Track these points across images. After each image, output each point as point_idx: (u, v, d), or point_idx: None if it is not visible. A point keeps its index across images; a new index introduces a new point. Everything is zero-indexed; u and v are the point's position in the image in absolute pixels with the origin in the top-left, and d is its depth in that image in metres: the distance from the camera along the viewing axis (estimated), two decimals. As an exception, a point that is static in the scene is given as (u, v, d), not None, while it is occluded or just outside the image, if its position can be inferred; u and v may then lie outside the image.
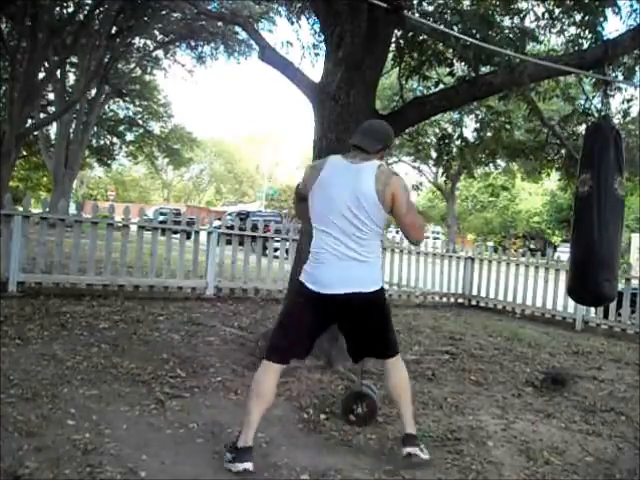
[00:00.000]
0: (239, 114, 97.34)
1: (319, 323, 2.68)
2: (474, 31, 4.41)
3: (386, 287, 8.51)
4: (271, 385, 2.62)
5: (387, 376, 2.85)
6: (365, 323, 2.69)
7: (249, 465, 2.48)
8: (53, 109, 20.54)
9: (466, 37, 4.15)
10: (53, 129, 22.07)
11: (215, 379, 3.80)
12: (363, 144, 2.65)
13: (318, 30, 6.70)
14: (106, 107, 25.44)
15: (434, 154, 8.76)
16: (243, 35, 16.38)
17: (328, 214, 2.58)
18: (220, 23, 15.26)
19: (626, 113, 7.41)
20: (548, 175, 8.80)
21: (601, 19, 4.60)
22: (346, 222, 2.55)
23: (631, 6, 5.02)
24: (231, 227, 7.85)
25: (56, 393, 3.20)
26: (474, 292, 9.40)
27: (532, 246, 35.01)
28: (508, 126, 7.15)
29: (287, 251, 8.04)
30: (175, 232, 7.25)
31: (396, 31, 5.18)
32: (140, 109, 28.51)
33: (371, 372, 4.29)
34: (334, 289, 2.55)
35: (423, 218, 2.82)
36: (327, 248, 2.58)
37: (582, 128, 6.60)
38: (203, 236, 7.42)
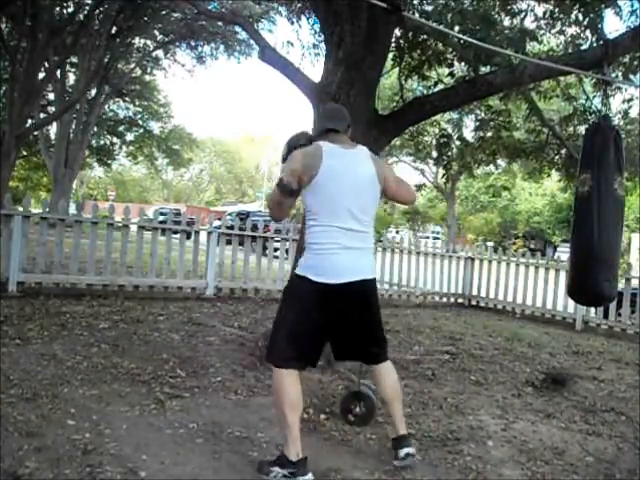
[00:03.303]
0: (239, 114, 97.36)
1: (325, 319, 2.53)
2: (475, 30, 4.41)
3: (386, 287, 8.62)
4: (297, 390, 2.52)
5: (382, 379, 2.75)
6: (366, 315, 2.62)
7: (311, 476, 2.43)
8: (53, 109, 20.54)
9: (466, 38, 4.15)
10: (53, 129, 22.08)
11: (215, 379, 3.80)
12: (336, 125, 2.66)
13: (318, 30, 6.71)
14: (106, 107, 25.42)
15: (434, 154, 8.76)
16: (243, 35, 16.40)
17: (337, 205, 2.50)
18: (220, 23, 15.27)
19: (626, 113, 7.42)
20: (548, 176, 8.80)
21: (600, 19, 4.59)
22: (354, 211, 2.51)
23: (631, 6, 5.01)
24: (231, 227, 7.85)
25: (56, 393, 3.20)
26: (474, 292, 9.40)
27: (532, 246, 35.02)
28: (508, 125, 7.16)
29: (287, 251, 8.04)
30: (175, 232, 7.25)
31: (396, 31, 5.18)
32: (140, 109, 28.51)
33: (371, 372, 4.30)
34: (341, 278, 2.47)
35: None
36: (339, 242, 2.49)
37: (582, 128, 6.60)
38: (203, 236, 7.42)
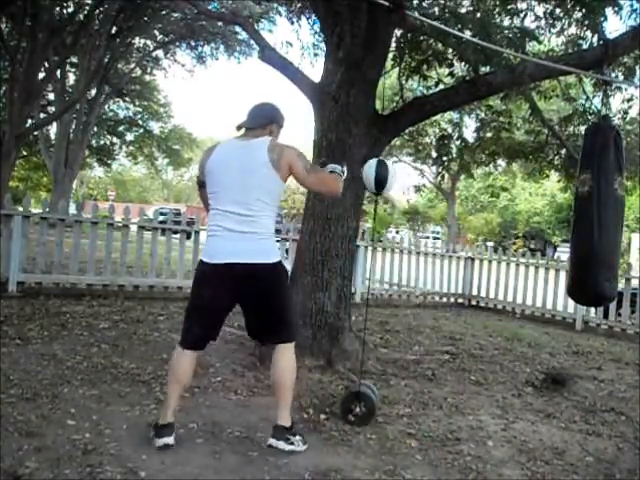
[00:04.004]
0: (239, 114, 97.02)
1: (220, 300, 2.69)
2: (471, 33, 4.41)
3: (386, 287, 8.61)
4: (187, 370, 2.75)
5: (274, 362, 2.77)
6: (256, 299, 2.69)
7: (169, 439, 2.65)
8: (53, 109, 20.53)
9: (466, 36, 4.15)
10: (53, 129, 22.07)
11: (215, 379, 3.80)
12: (248, 123, 2.79)
13: (318, 30, 6.72)
14: (106, 107, 25.41)
15: (434, 154, 8.76)
16: (243, 35, 16.39)
17: (222, 192, 2.66)
18: (220, 23, 15.27)
19: (626, 113, 7.41)
20: (547, 177, 8.80)
21: (602, 19, 4.59)
22: (238, 197, 2.62)
23: (631, 6, 5.01)
24: (231, 227, 7.82)
25: (56, 393, 3.20)
26: (474, 292, 9.40)
27: (532, 246, 35.03)
28: (508, 127, 7.15)
29: (287, 251, 8.03)
30: (175, 232, 7.25)
31: (396, 31, 5.18)
32: (140, 109, 28.50)
33: (371, 372, 4.30)
34: (222, 259, 2.61)
35: (335, 178, 2.78)
36: (221, 224, 2.64)
37: (582, 128, 6.60)
38: (203, 236, 7.40)
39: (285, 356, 2.75)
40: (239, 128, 2.81)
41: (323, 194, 3.04)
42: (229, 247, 2.62)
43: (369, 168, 3.40)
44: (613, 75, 5.36)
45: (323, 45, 5.39)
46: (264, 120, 2.79)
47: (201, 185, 2.83)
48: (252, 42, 14.30)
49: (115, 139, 29.56)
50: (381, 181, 3.36)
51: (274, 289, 2.70)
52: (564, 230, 34.68)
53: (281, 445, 2.69)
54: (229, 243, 2.62)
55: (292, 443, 2.71)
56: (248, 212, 2.61)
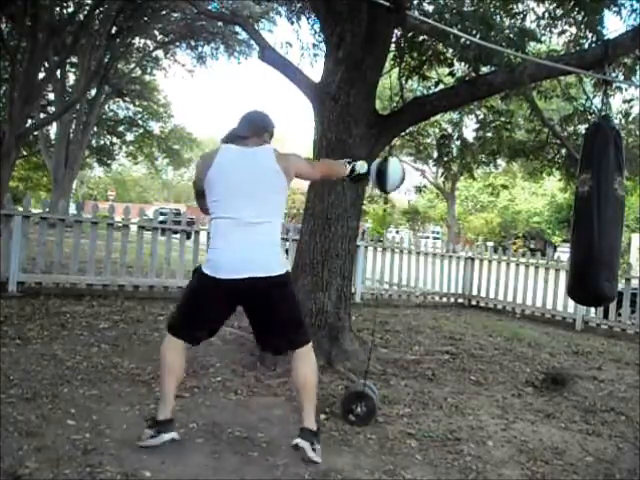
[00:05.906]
0: (239, 114, 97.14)
1: (221, 309, 2.73)
2: (474, 31, 4.40)
3: (386, 287, 8.61)
4: (179, 359, 2.71)
5: (295, 368, 2.74)
6: (271, 309, 2.68)
7: (174, 434, 2.65)
8: (53, 109, 20.52)
9: (466, 36, 4.14)
10: (53, 129, 22.07)
11: (215, 379, 3.80)
12: (241, 132, 2.75)
13: (318, 30, 6.71)
14: (106, 107, 25.42)
15: (435, 154, 8.75)
16: (243, 35, 16.39)
17: (229, 200, 2.60)
18: (220, 23, 15.27)
19: (626, 113, 7.41)
20: (549, 174, 8.79)
21: (602, 19, 4.59)
22: (249, 205, 2.58)
23: (631, 6, 5.01)
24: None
25: (56, 393, 3.20)
26: (474, 292, 9.40)
27: (532, 246, 35.02)
28: (508, 126, 7.15)
29: (287, 251, 8.03)
30: (175, 232, 7.25)
31: (396, 31, 5.18)
32: (140, 109, 28.48)
33: (371, 372, 4.30)
34: (238, 274, 2.54)
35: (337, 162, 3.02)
36: (229, 234, 2.59)
37: (582, 128, 6.60)
38: (203, 236, 7.42)
39: (308, 360, 2.74)
40: (231, 137, 2.74)
41: (332, 177, 3.15)
42: (237, 262, 2.55)
43: (373, 166, 3.39)
44: (613, 75, 5.36)
45: (323, 45, 5.39)
46: (259, 129, 2.77)
47: (200, 195, 2.74)
48: (252, 42, 14.30)
49: (115, 139, 29.53)
50: (380, 177, 3.32)
51: (287, 299, 2.70)
52: (564, 230, 34.67)
53: (307, 447, 2.60)
54: (238, 257, 2.56)
55: (314, 450, 2.62)
56: (260, 219, 2.58)
